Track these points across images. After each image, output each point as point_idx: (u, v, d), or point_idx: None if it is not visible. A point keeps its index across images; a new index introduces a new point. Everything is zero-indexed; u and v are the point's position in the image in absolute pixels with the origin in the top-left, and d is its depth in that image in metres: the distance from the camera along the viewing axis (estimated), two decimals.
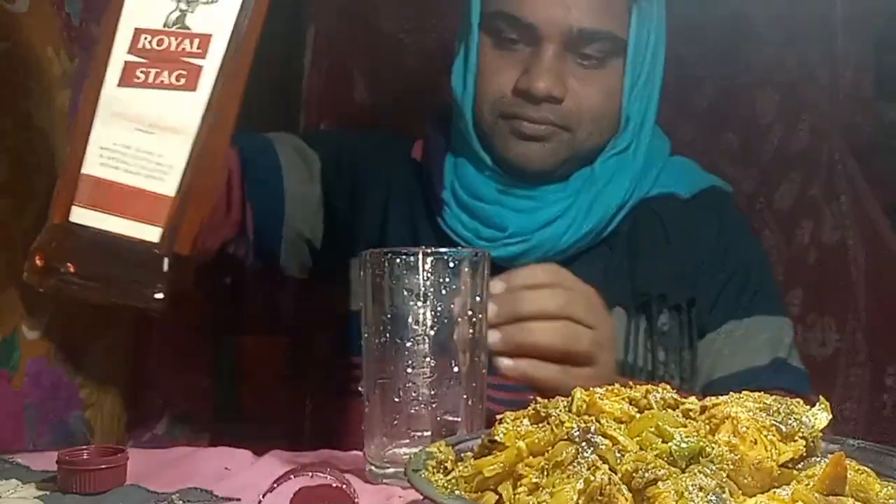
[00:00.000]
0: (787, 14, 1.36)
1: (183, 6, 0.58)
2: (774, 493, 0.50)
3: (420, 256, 0.62)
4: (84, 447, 0.67)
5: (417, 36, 1.43)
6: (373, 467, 0.65)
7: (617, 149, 0.99)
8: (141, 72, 0.59)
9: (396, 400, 0.62)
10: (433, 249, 0.63)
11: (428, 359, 0.62)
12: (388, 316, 0.63)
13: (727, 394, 0.90)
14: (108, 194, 0.58)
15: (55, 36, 0.89)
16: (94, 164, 0.58)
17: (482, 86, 0.98)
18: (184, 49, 0.59)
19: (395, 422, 0.63)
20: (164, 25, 0.59)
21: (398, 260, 0.62)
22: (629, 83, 0.96)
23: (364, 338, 0.65)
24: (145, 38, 0.59)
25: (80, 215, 0.58)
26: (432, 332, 0.62)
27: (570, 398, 0.60)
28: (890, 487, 0.52)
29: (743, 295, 1.01)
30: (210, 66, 0.59)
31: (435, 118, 1.09)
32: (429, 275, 0.62)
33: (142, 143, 0.58)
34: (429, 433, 0.62)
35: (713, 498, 0.47)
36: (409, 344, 0.62)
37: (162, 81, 0.59)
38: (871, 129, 1.44)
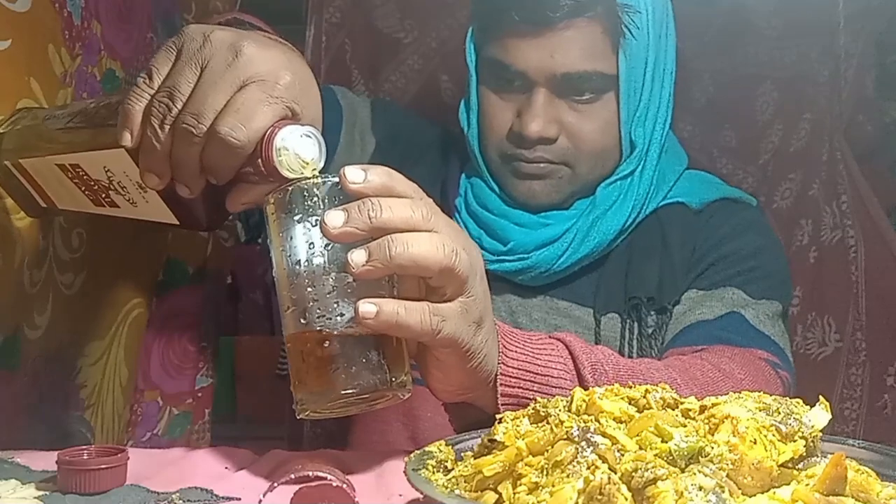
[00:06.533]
0: (787, 10, 1.36)
1: None
2: (774, 493, 0.50)
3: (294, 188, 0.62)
4: (84, 447, 0.67)
5: (417, 36, 1.43)
6: (303, 403, 0.64)
7: (620, 174, 0.99)
8: None
9: (303, 322, 0.62)
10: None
11: (327, 276, 0.62)
12: (284, 249, 0.63)
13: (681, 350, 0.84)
14: None
15: (56, 35, 0.89)
16: None
17: (483, 127, 1.00)
18: None
19: (308, 345, 0.63)
20: None
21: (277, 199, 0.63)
22: (626, 113, 0.97)
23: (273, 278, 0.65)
24: None
25: None
26: (327, 251, 0.62)
27: (569, 398, 0.60)
28: (890, 487, 0.52)
29: (719, 274, 0.98)
30: None
31: (453, 134, 1.10)
32: (314, 200, 0.62)
33: None
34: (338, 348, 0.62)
35: (713, 498, 0.47)
36: (305, 266, 0.62)
37: None
38: (872, 128, 1.44)
